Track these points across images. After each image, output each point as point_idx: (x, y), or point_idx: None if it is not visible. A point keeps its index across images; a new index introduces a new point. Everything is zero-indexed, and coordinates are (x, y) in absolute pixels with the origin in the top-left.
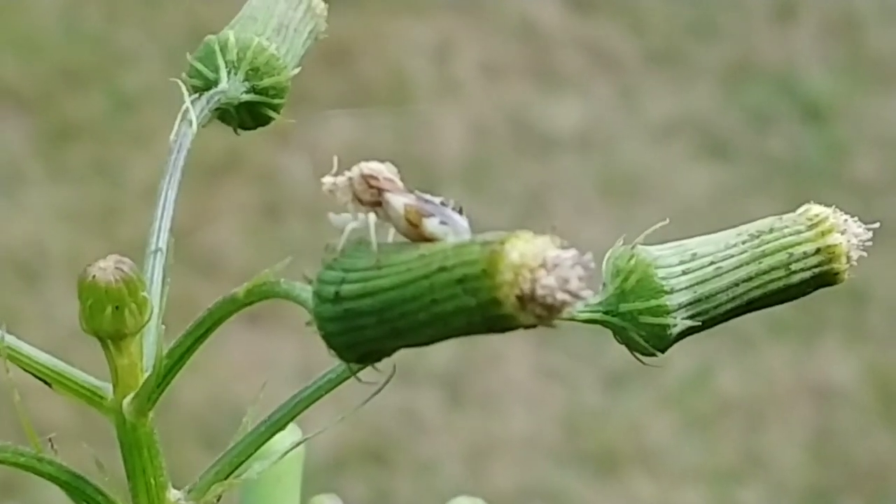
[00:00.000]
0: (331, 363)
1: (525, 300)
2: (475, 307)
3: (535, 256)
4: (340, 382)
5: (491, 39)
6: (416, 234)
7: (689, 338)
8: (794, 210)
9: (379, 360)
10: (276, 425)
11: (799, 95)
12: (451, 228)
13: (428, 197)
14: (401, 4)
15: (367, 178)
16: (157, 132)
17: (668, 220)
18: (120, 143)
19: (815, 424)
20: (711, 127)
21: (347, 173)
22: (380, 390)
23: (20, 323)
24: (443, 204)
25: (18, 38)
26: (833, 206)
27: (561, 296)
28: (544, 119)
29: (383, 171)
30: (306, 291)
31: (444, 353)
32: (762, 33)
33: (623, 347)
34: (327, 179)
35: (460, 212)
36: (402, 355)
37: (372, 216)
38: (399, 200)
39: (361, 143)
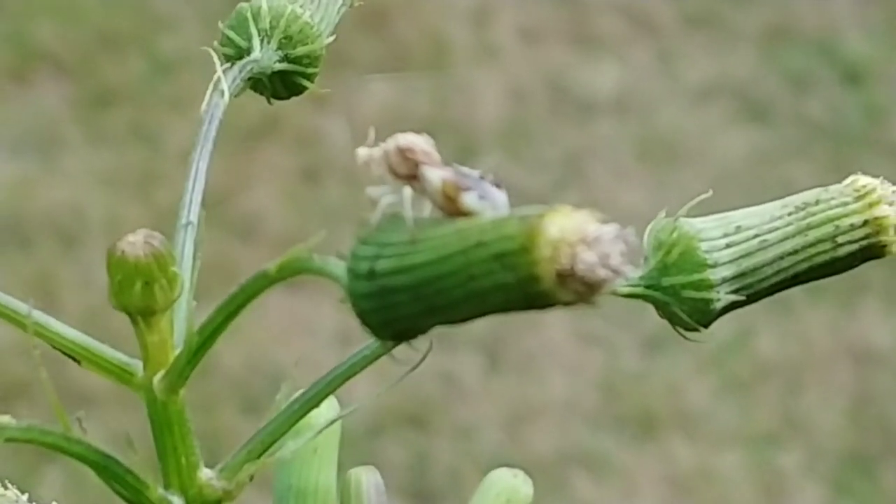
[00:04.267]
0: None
1: (565, 276)
2: (513, 284)
3: (574, 231)
4: (376, 359)
5: (528, 3)
6: (452, 208)
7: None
8: (833, 174)
9: (414, 337)
10: (310, 402)
11: (837, 59)
12: (489, 203)
13: (465, 170)
14: None
15: (403, 151)
16: (195, 97)
17: (709, 191)
18: (158, 108)
19: (854, 389)
20: (750, 91)
21: (383, 145)
22: (417, 366)
23: (59, 288)
24: (481, 178)
25: (57, 4)
26: (881, 177)
27: (602, 272)
28: (582, 83)
29: (420, 143)
30: (340, 267)
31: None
32: None
33: None
34: (362, 151)
35: (498, 186)
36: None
37: (408, 190)
38: (436, 174)
39: (399, 107)
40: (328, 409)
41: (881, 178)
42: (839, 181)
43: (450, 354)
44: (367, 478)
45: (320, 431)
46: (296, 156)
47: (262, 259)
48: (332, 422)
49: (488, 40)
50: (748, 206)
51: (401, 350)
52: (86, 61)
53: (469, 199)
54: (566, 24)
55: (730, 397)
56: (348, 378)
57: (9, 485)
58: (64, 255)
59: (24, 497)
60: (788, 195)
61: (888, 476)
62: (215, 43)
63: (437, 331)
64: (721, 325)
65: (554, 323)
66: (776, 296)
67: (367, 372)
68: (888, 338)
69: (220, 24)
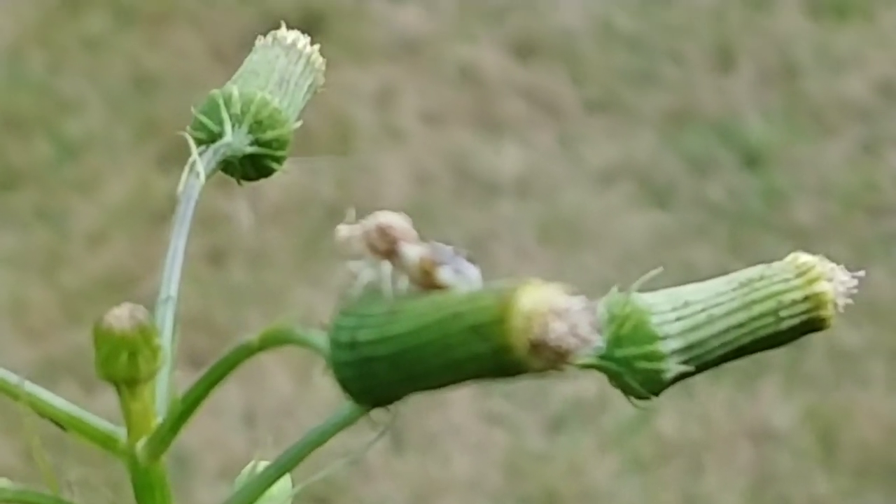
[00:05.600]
0: (275, 409)
1: (537, 346)
2: (488, 353)
3: (546, 303)
4: (349, 423)
5: (431, 87)
6: (429, 282)
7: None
8: (733, 257)
9: (392, 402)
10: (284, 467)
11: (738, 143)
12: (464, 277)
13: (441, 246)
14: (341, 53)
15: (382, 229)
16: (100, 179)
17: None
18: (63, 190)
19: (754, 468)
20: (651, 174)
21: (363, 223)
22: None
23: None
24: (455, 254)
25: None
26: (820, 255)
27: (571, 341)
28: (485, 166)
29: (398, 221)
30: (322, 338)
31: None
32: (701, 81)
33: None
34: (343, 229)
35: (472, 261)
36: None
37: (387, 265)
38: (414, 250)
39: (304, 189)
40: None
41: (788, 259)
42: (739, 263)
43: (354, 434)
44: None
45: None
46: (200, 238)
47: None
48: (295, 492)
49: (392, 123)
50: (651, 289)
51: (375, 413)
52: None
53: (445, 274)
54: (469, 107)
55: (632, 477)
56: (321, 444)
57: None
58: None
59: None
60: (689, 278)
61: None
62: (188, 127)
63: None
64: (622, 405)
65: (457, 402)
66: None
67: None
68: (787, 418)
69: (193, 109)
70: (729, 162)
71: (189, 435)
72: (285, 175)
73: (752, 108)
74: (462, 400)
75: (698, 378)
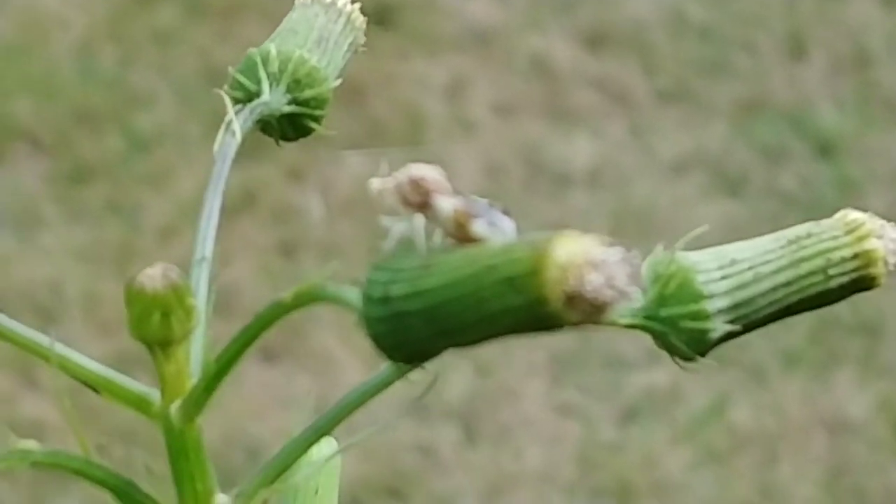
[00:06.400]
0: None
1: (572, 298)
2: (523, 305)
3: (582, 254)
4: (387, 385)
5: (502, 78)
6: (463, 235)
7: (702, 372)
8: None
9: (427, 359)
10: (322, 429)
11: (810, 132)
12: (499, 230)
13: (475, 199)
14: (413, 45)
15: (415, 181)
16: (171, 173)
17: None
18: (135, 184)
19: (828, 459)
20: (723, 164)
21: (396, 175)
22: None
23: (37, 364)
24: (490, 206)
25: (34, 81)
26: (869, 212)
27: (608, 293)
28: (556, 157)
29: (432, 173)
30: (354, 293)
31: (459, 389)
32: (773, 71)
33: (637, 382)
34: (376, 182)
35: (507, 213)
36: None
37: (420, 218)
38: (447, 202)
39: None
40: (328, 448)
41: (837, 216)
42: None
43: (427, 426)
44: None
45: (324, 464)
46: (272, 230)
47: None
48: (335, 454)
49: (463, 115)
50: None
51: (381, 409)
52: (62, 138)
53: (479, 226)
54: (540, 99)
55: (706, 468)
56: (361, 405)
57: None
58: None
59: None
60: None
61: None
62: (225, 87)
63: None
64: (696, 396)
65: (530, 394)
66: (750, 366)
67: (345, 437)
68: (863, 408)
69: (230, 69)
70: (801, 151)
71: (260, 426)
72: (356, 167)
73: (824, 98)
74: (535, 392)
75: (772, 368)
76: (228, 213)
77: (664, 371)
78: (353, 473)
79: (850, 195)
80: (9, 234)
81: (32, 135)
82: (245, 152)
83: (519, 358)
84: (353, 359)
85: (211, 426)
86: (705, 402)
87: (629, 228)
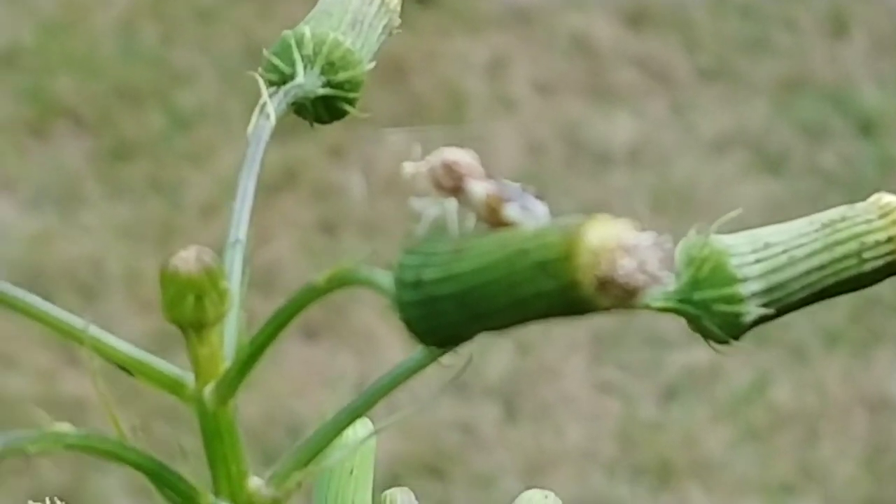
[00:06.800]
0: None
1: (604, 282)
2: (555, 290)
3: (614, 239)
4: (420, 369)
5: (543, 56)
6: (495, 219)
7: (743, 350)
8: None
9: (459, 343)
10: (356, 411)
11: (851, 110)
12: (531, 214)
13: (507, 183)
14: (454, 23)
15: (448, 165)
16: (213, 150)
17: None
18: (176, 162)
19: (869, 438)
20: (764, 142)
21: (429, 159)
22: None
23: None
24: (523, 190)
25: (76, 59)
26: None
27: (640, 277)
28: (597, 135)
29: (465, 157)
30: (387, 277)
31: (499, 367)
32: (814, 49)
33: (678, 361)
34: (409, 165)
35: (539, 198)
36: (449, 375)
37: (453, 202)
38: (480, 187)
39: (416, 160)
40: (363, 429)
41: (871, 199)
42: None
43: (467, 404)
44: (401, 498)
45: (359, 445)
46: (313, 208)
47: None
48: (368, 437)
49: (504, 93)
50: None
51: (421, 385)
52: (105, 116)
53: (512, 211)
54: (581, 77)
55: (746, 446)
56: (393, 388)
57: (57, 501)
58: (83, 308)
59: None
60: None
61: None
62: (259, 69)
63: (455, 380)
64: (737, 374)
65: (570, 372)
66: (791, 345)
67: (385, 416)
68: None
69: (264, 51)
70: (842, 129)
71: (301, 404)
72: (397, 146)
73: (865, 76)
74: (575, 370)
75: (812, 346)
76: (269, 190)
77: (705, 350)
78: (394, 451)
79: (891, 173)
80: (51, 212)
81: (74, 112)
82: (286, 130)
83: (559, 336)
84: (394, 336)
85: (252, 404)
86: (746, 380)
87: (669, 207)
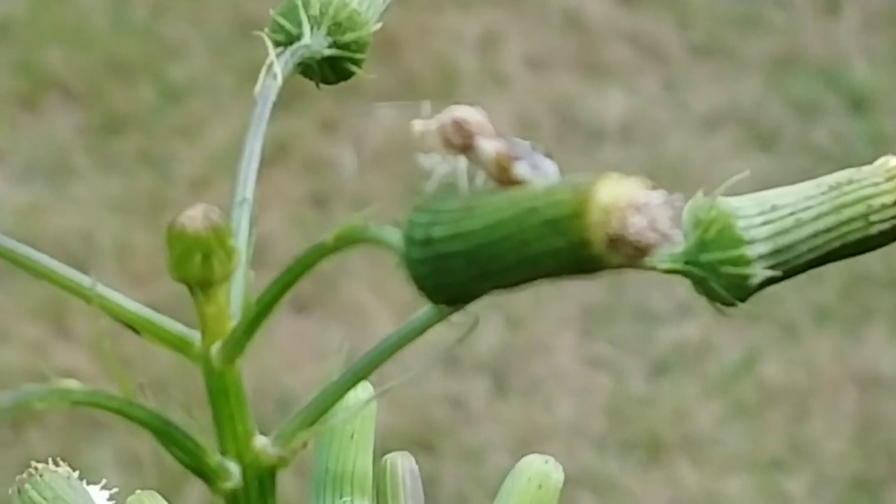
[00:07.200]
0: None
1: (615, 240)
2: (565, 248)
3: (624, 197)
4: (428, 327)
5: (536, 32)
6: (505, 177)
7: (733, 326)
8: None
9: (468, 302)
10: (362, 371)
11: (844, 87)
12: (541, 172)
13: (518, 141)
14: None
15: (458, 123)
16: (204, 124)
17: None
18: (167, 135)
19: (860, 414)
20: (756, 119)
21: (438, 117)
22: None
23: (68, 313)
24: (533, 149)
25: (66, 31)
26: None
27: (651, 235)
28: (589, 111)
29: (475, 115)
30: (396, 235)
31: (490, 341)
32: (807, 26)
33: (668, 336)
34: (418, 123)
35: (549, 156)
36: (447, 343)
37: (462, 160)
38: (490, 145)
39: (408, 134)
40: (364, 393)
41: (878, 162)
42: None
43: (457, 378)
44: (402, 463)
45: (361, 407)
46: (304, 182)
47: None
48: (370, 400)
49: (495, 68)
50: None
51: (410, 359)
52: (95, 89)
53: (522, 169)
54: (573, 53)
55: (736, 422)
56: (400, 347)
57: (60, 462)
58: None
59: (76, 474)
60: None
61: (894, 502)
62: (266, 29)
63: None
64: (727, 350)
65: (561, 347)
66: (782, 321)
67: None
68: (894, 364)
69: (271, 12)
70: (834, 106)
71: (292, 378)
72: (388, 119)
73: (857, 53)
74: (565, 345)
75: (803, 323)
76: (261, 164)
77: (695, 324)
78: (384, 425)
79: (883, 150)
80: (41, 185)
81: (65, 85)
82: (278, 104)
83: (550, 310)
84: (384, 309)
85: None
86: (736, 356)
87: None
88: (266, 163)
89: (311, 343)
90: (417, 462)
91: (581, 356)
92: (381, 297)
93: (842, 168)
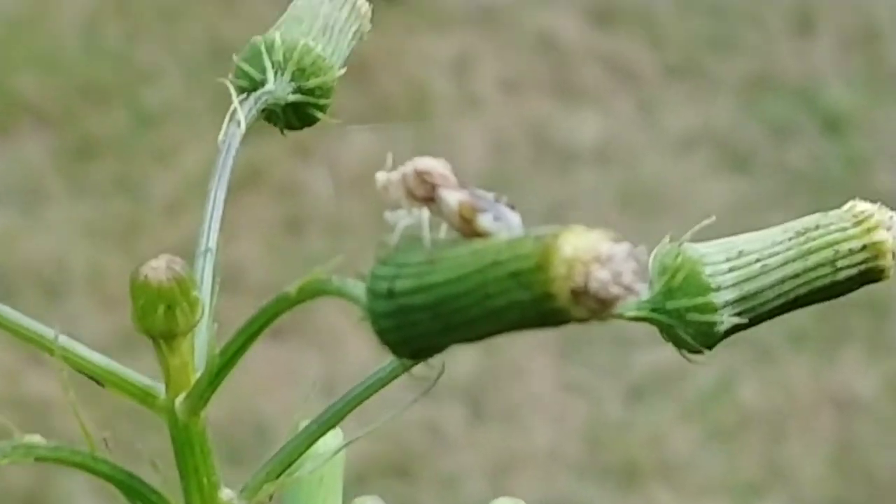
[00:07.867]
0: (354, 378)
1: (579, 294)
2: (529, 301)
3: (588, 250)
4: (392, 380)
5: (510, 54)
6: (469, 229)
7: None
8: None
9: (432, 354)
10: (327, 424)
11: (818, 108)
12: (504, 224)
13: (481, 193)
14: (419, 20)
15: (421, 174)
16: (178, 148)
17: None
18: (141, 159)
19: (836, 437)
20: (731, 140)
21: (401, 168)
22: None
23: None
24: (496, 200)
25: (39, 55)
26: (879, 203)
27: (615, 289)
28: (564, 133)
29: (437, 166)
30: (359, 288)
31: (466, 367)
32: (781, 47)
33: (644, 360)
34: (381, 175)
35: (513, 208)
36: (423, 370)
37: (425, 212)
38: (453, 196)
39: (381, 157)
40: (333, 439)
41: (846, 207)
42: None
43: (434, 404)
44: None
45: (335, 453)
46: (278, 206)
47: (244, 308)
48: (340, 449)
49: (469, 91)
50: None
51: (390, 389)
52: (68, 113)
53: (485, 221)
54: (547, 75)
55: (713, 446)
56: (364, 399)
57: None
58: (47, 306)
59: None
60: None
61: None
62: (230, 75)
63: (421, 380)
64: (703, 374)
65: (537, 372)
66: (758, 344)
67: (353, 419)
68: (870, 386)
69: (234, 57)
70: (809, 128)
71: (268, 403)
72: (363, 143)
73: (832, 74)
74: (542, 370)
75: (779, 346)
76: (234, 189)
77: (671, 350)
78: (360, 452)
79: (858, 172)
80: (14, 209)
81: (38, 109)
82: (251, 129)
83: (526, 336)
84: (360, 336)
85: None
86: (712, 380)
87: (637, 205)
88: (239, 187)
89: (287, 369)
90: (394, 488)
91: (557, 381)
92: (356, 323)
93: (817, 190)
